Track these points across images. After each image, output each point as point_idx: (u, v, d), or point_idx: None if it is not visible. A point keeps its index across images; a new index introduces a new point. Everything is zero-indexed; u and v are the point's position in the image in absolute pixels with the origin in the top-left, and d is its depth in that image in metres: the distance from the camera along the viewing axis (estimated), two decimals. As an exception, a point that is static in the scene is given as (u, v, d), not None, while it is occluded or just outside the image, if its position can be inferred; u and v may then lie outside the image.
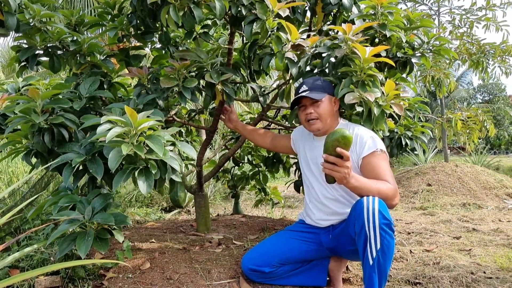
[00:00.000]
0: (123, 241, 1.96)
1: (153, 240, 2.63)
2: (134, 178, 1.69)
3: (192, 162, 2.84)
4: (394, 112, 2.01)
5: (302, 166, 2.13)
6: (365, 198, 1.63)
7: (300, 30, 2.78)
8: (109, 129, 1.69)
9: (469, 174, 5.73)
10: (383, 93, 1.99)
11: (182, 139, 3.09)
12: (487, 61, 6.13)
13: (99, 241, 1.82)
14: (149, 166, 1.69)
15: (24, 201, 2.74)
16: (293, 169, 3.49)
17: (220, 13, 1.88)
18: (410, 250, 2.74)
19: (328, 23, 2.69)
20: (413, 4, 6.21)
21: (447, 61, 5.96)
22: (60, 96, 1.96)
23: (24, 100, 1.84)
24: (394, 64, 2.05)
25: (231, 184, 3.82)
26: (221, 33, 2.76)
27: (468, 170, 5.86)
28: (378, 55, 2.00)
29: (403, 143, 2.80)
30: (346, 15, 2.47)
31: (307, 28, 2.77)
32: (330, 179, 1.64)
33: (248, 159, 3.66)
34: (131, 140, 1.63)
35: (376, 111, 1.92)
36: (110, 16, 2.32)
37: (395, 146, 2.84)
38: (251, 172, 3.79)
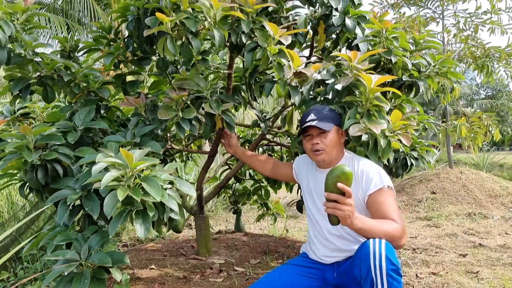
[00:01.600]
0: (120, 280, 1.89)
1: (153, 267, 2.57)
2: (131, 220, 1.63)
3: (193, 184, 2.77)
4: (401, 142, 1.94)
5: (305, 198, 2.06)
6: (371, 240, 1.56)
7: (303, 47, 2.71)
8: (105, 168, 1.64)
9: (474, 181, 5.65)
10: (389, 122, 1.92)
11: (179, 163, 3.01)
12: (492, 64, 6.04)
13: (96, 281, 1.76)
14: (146, 207, 1.62)
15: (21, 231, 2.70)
16: (296, 186, 3.42)
17: (219, 44, 1.81)
18: (416, 275, 2.67)
19: (331, 41, 2.62)
20: (417, 8, 6.10)
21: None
22: (54, 130, 1.89)
23: (16, 137, 1.77)
24: (400, 93, 1.97)
25: (232, 200, 3.75)
26: (223, 59, 2.68)
27: (473, 177, 5.78)
28: (384, 84, 1.93)
29: (409, 163, 2.74)
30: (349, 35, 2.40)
31: (309, 44, 2.70)
32: (334, 220, 1.57)
33: (250, 174, 3.59)
34: (127, 183, 1.56)
35: (382, 142, 1.85)
36: (106, 40, 2.24)
37: (400, 166, 2.77)
38: (253, 188, 3.73)
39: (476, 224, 4.43)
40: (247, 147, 3.18)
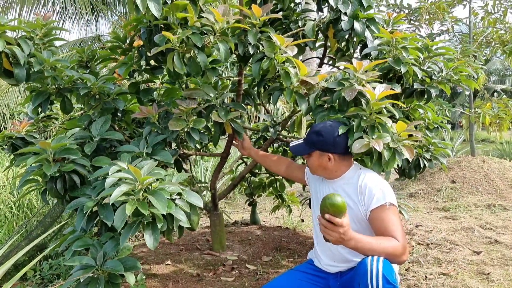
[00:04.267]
0: (134, 283, 2.01)
1: (169, 262, 2.70)
2: (141, 230, 1.73)
3: (206, 185, 2.86)
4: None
5: (313, 203, 2.12)
6: (369, 259, 1.61)
7: (317, 45, 2.70)
8: (117, 182, 1.73)
9: (497, 170, 5.55)
10: (393, 133, 1.92)
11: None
12: (520, 50, 5.82)
13: (111, 285, 1.88)
14: (155, 218, 1.72)
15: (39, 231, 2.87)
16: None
17: (225, 57, 1.85)
18: (426, 276, 2.71)
19: (344, 42, 2.60)
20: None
21: (476, 51, 5.69)
22: (72, 141, 1.99)
23: (36, 151, 1.88)
24: (402, 104, 1.97)
25: (248, 192, 3.84)
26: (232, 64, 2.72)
27: (496, 166, 5.67)
28: (389, 97, 1.93)
29: (421, 165, 2.73)
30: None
31: (323, 43, 2.70)
32: (326, 238, 1.63)
33: (265, 168, 3.65)
34: (136, 196, 1.65)
35: (386, 154, 1.87)
36: (121, 49, 2.31)
37: (413, 167, 2.77)
38: (268, 180, 3.80)
39: (494, 217, 4.39)
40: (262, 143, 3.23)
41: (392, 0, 5.98)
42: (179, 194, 1.81)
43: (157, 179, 1.75)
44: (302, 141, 1.93)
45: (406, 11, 5.74)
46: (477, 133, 6.38)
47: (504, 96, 8.69)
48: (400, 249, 1.65)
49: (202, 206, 1.84)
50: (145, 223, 1.73)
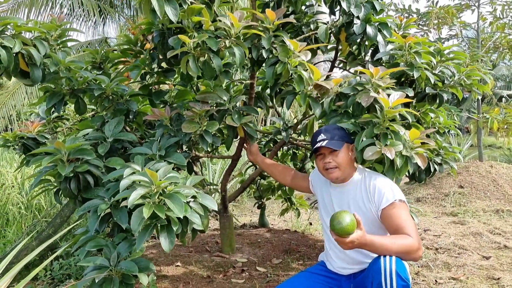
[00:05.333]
0: (147, 284, 2.02)
1: (179, 264, 2.71)
2: (157, 232, 1.74)
3: (216, 187, 2.87)
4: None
5: (320, 211, 2.12)
6: (382, 258, 1.63)
7: (328, 48, 2.70)
8: (131, 184, 1.74)
9: (505, 176, 5.52)
10: (406, 140, 1.92)
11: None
12: (528, 55, 5.80)
13: (125, 285, 1.89)
14: (170, 221, 1.72)
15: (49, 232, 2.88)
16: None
17: (240, 62, 1.86)
18: (436, 280, 2.70)
19: (356, 45, 2.60)
20: (452, -5, 5.89)
21: (484, 56, 5.68)
22: (86, 142, 2.01)
23: (50, 152, 1.89)
24: (415, 112, 1.97)
25: (257, 195, 3.85)
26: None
27: (504, 171, 5.64)
28: (405, 104, 1.93)
29: (432, 169, 2.73)
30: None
31: (334, 46, 2.70)
32: None
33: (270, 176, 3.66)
34: (152, 199, 1.66)
35: (398, 162, 1.86)
36: (133, 52, 2.32)
37: (423, 171, 2.76)
38: (277, 183, 3.80)
39: (503, 222, 4.37)
40: (271, 146, 3.23)
41: (400, 5, 5.98)
42: (194, 197, 1.82)
43: (173, 182, 1.76)
44: (327, 141, 1.88)
45: (415, 15, 5.74)
46: (484, 138, 6.34)
47: (512, 101, 8.65)
48: (415, 245, 1.66)
49: (216, 208, 1.84)
50: (160, 226, 1.74)
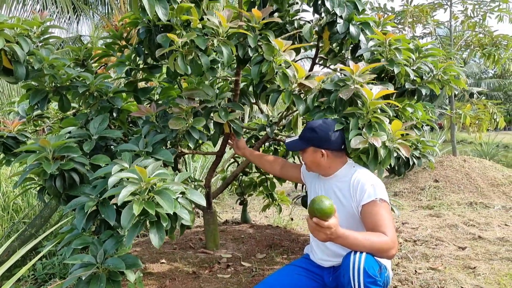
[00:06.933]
0: (134, 281, 2.02)
1: (164, 261, 2.71)
2: (147, 228, 1.75)
3: (201, 183, 2.88)
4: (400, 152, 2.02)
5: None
6: (352, 254, 1.67)
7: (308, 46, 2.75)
8: (119, 181, 1.74)
9: (477, 169, 5.72)
10: (389, 131, 1.99)
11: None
12: (499, 53, 6.02)
13: (112, 283, 1.89)
14: (160, 217, 1.73)
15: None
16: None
17: (228, 61, 1.88)
18: (415, 270, 2.79)
19: (337, 43, 2.66)
20: (425, -6, 6.06)
21: (456, 53, 5.86)
22: (71, 140, 1.99)
23: (34, 150, 1.87)
24: (398, 104, 2.04)
25: (239, 191, 3.87)
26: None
27: (476, 165, 5.85)
28: (383, 97, 1.99)
29: (411, 162, 2.81)
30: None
31: (315, 44, 2.75)
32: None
33: (256, 167, 3.69)
34: (142, 196, 1.67)
35: (382, 152, 1.93)
36: (117, 46, 2.31)
37: (402, 165, 2.85)
38: (259, 179, 3.84)
39: (476, 214, 4.53)
40: (253, 142, 3.27)
41: (376, 3, 6.10)
42: (182, 193, 1.83)
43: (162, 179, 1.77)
44: (297, 138, 1.97)
45: (390, 14, 5.87)
46: (456, 134, 6.58)
47: (486, 89, 8.93)
48: (389, 243, 1.69)
49: (205, 204, 1.86)
50: (150, 223, 1.75)
